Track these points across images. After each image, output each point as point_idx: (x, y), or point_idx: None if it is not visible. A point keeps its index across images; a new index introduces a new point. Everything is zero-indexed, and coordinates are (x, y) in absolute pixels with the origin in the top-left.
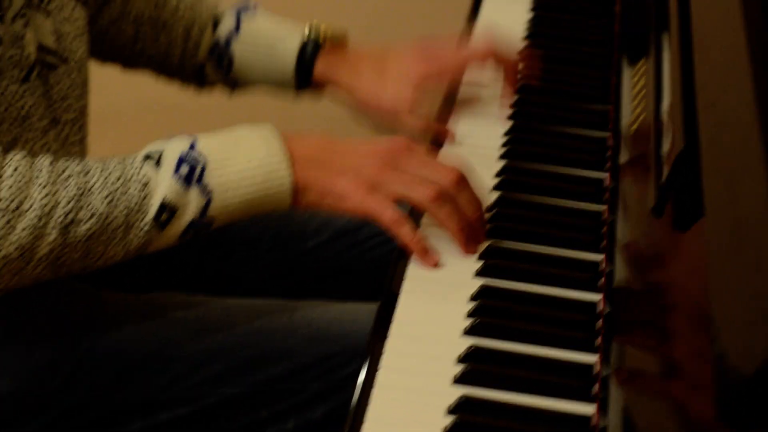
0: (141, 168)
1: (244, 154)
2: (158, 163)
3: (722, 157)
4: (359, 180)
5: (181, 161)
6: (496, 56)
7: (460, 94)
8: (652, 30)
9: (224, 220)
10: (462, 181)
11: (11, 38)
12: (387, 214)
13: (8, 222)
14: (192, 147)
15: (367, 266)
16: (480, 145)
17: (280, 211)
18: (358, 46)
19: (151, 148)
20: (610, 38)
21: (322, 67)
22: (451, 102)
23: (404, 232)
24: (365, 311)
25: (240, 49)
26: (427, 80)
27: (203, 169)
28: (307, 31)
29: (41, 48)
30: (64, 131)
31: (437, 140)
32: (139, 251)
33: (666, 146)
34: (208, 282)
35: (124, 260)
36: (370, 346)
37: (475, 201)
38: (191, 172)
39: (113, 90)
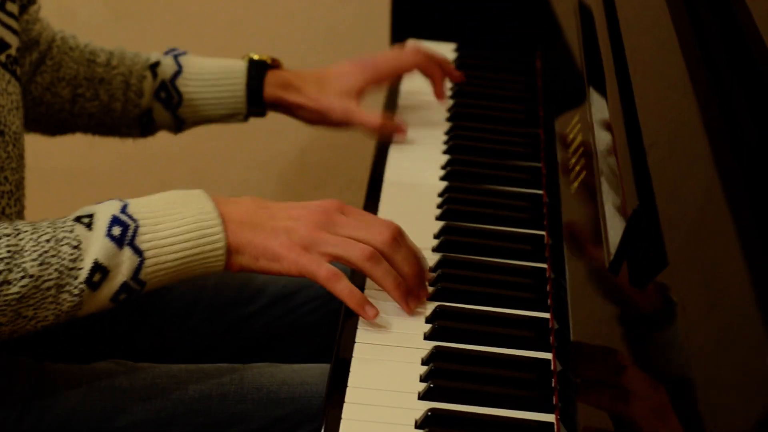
0: (73, 229)
1: (177, 216)
2: (90, 224)
3: (682, 210)
4: (292, 241)
5: (113, 223)
6: (425, 64)
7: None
8: (585, 84)
9: (157, 281)
10: (397, 238)
11: None
12: (322, 271)
13: None
14: (123, 209)
15: (303, 332)
16: (415, 205)
17: (213, 273)
18: (295, 69)
19: (82, 210)
20: (533, 94)
21: (270, 89)
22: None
23: (340, 288)
24: (314, 373)
25: (187, 85)
26: (367, 88)
27: (135, 230)
28: (246, 58)
29: None
30: (1, 203)
31: (389, 136)
32: (71, 314)
33: (612, 202)
34: (149, 351)
35: (55, 324)
36: (326, 415)
37: (412, 258)
38: (123, 233)
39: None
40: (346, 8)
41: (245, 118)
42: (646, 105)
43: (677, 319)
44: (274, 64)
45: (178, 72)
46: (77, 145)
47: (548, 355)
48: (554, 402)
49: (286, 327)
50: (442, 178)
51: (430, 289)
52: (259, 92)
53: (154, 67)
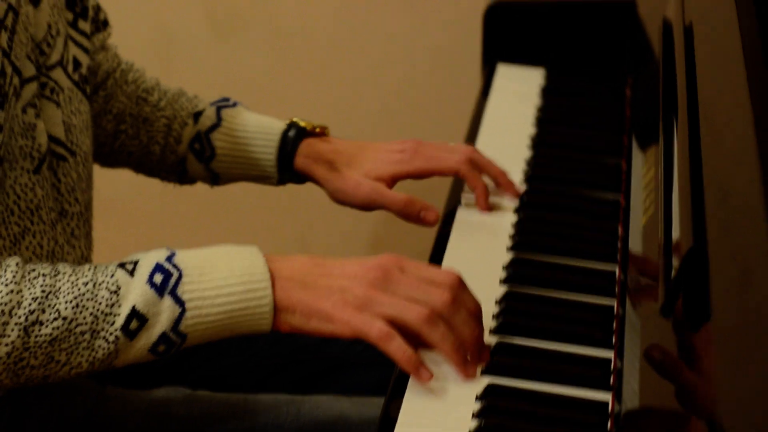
0: (113, 274)
1: (224, 270)
2: (132, 271)
3: (732, 254)
4: (346, 300)
5: (155, 270)
6: (467, 173)
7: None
8: (661, 115)
9: (199, 336)
10: (457, 298)
11: (23, 128)
12: (374, 331)
13: None
14: (169, 258)
15: (368, 363)
16: (488, 236)
17: (260, 332)
18: (337, 139)
19: (129, 257)
20: (621, 123)
21: (301, 158)
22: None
23: (394, 348)
24: (371, 405)
25: (221, 140)
26: (399, 179)
27: (178, 280)
28: (287, 122)
29: (51, 139)
30: (71, 225)
31: (421, 218)
32: (106, 363)
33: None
34: (209, 377)
35: (89, 372)
36: None
37: (472, 320)
38: (165, 281)
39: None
40: (446, 32)
41: (278, 183)
42: (711, 142)
43: (729, 367)
44: (316, 132)
45: (216, 125)
46: (124, 171)
47: (608, 396)
48: None
49: (350, 357)
50: (518, 207)
51: (493, 322)
52: (292, 159)
53: (198, 115)
